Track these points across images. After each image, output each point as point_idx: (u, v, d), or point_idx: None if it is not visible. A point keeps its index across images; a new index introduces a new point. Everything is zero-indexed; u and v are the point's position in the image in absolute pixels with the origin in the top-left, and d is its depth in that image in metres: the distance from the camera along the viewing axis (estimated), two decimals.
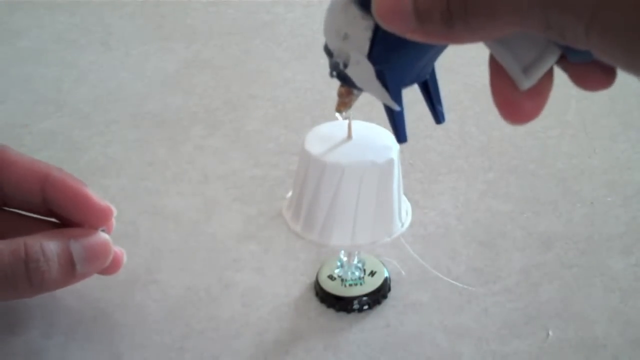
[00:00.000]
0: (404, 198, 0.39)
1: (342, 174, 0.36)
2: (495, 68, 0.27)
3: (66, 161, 0.52)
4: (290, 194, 0.39)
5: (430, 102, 0.32)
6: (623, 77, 0.61)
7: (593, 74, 0.26)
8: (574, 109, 0.56)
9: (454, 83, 0.58)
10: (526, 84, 0.27)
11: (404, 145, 0.37)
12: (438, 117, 0.33)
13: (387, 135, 0.37)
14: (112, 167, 0.52)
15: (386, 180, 0.36)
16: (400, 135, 0.32)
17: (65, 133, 0.56)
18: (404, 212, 0.39)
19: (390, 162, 0.36)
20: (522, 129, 0.54)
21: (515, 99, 0.27)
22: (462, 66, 0.59)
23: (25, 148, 0.53)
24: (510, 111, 0.27)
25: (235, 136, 0.55)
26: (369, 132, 0.38)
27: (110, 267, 0.40)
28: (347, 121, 0.37)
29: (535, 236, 0.45)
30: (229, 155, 0.53)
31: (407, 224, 0.38)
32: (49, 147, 0.54)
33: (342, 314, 0.40)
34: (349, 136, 0.37)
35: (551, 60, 0.26)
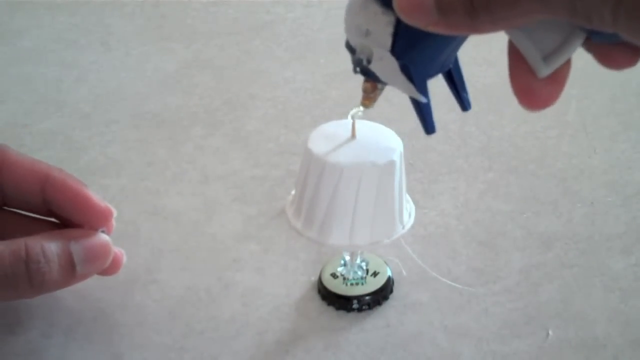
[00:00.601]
0: (408, 199, 0.39)
1: (341, 173, 0.36)
2: (514, 54, 0.27)
3: (66, 161, 0.52)
4: (294, 190, 0.39)
5: (455, 90, 0.32)
6: (623, 77, 0.61)
7: (618, 53, 0.26)
8: (574, 109, 0.56)
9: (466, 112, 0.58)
10: (545, 71, 0.27)
11: (404, 145, 0.37)
12: (464, 104, 0.33)
13: (391, 136, 0.37)
14: (112, 167, 0.52)
15: (386, 182, 0.36)
16: (429, 126, 0.32)
17: (65, 133, 0.56)
18: (406, 214, 0.39)
19: (390, 164, 0.36)
20: (522, 129, 0.54)
21: (533, 86, 0.27)
22: (462, 66, 0.59)
23: (25, 148, 0.53)
24: (527, 98, 0.28)
25: (235, 136, 0.55)
26: (374, 133, 0.38)
27: (110, 268, 0.40)
28: (352, 121, 0.37)
29: (535, 236, 0.45)
30: (229, 155, 0.53)
31: (408, 226, 0.38)
32: (49, 147, 0.54)
33: (343, 314, 0.40)
34: (353, 136, 0.37)
35: (575, 46, 0.26)
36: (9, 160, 0.40)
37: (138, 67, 0.64)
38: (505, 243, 0.44)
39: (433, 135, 0.53)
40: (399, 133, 0.38)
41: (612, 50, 0.26)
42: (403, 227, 0.38)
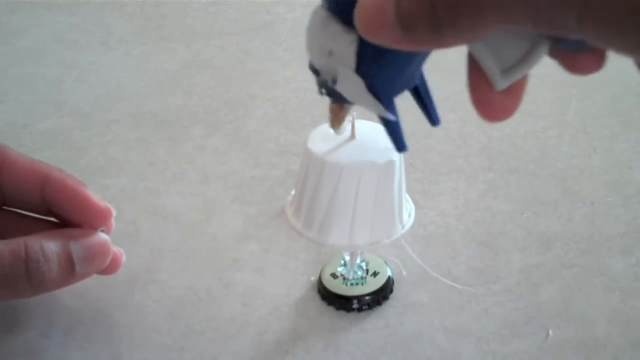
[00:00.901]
0: (407, 199, 0.39)
1: (341, 173, 0.36)
2: (473, 65, 0.27)
3: (66, 161, 0.52)
4: (294, 190, 0.39)
5: (423, 105, 0.32)
6: (623, 77, 0.61)
7: (583, 59, 0.26)
8: (574, 109, 0.56)
9: (455, 83, 0.58)
10: (502, 85, 0.27)
11: None
12: (433, 119, 0.32)
13: None
14: (112, 167, 0.52)
15: (386, 181, 0.36)
16: (399, 144, 0.31)
17: (65, 133, 0.56)
18: (406, 214, 0.39)
19: (390, 164, 0.36)
20: (522, 129, 0.54)
21: (490, 98, 0.27)
22: (462, 67, 0.59)
23: (25, 148, 0.53)
24: (484, 109, 0.28)
25: (235, 136, 0.55)
26: (373, 133, 0.37)
27: (110, 267, 0.40)
28: (351, 121, 0.37)
29: (535, 236, 0.45)
30: (229, 155, 0.53)
31: (408, 226, 0.38)
32: (49, 147, 0.54)
33: (343, 314, 0.40)
34: (352, 136, 0.37)
35: (535, 60, 0.26)
36: (8, 160, 0.40)
37: (138, 67, 0.64)
38: (505, 243, 0.44)
39: (433, 135, 0.53)
40: None
41: (576, 57, 0.26)
42: (403, 227, 0.38)
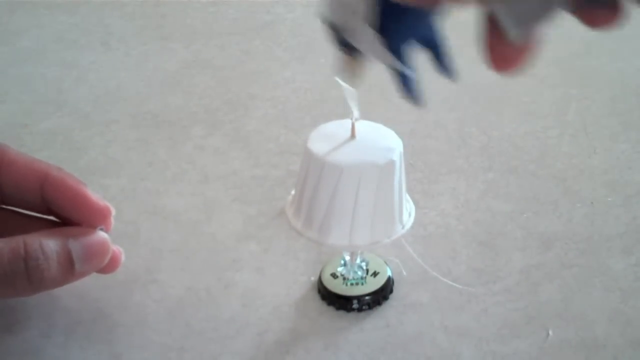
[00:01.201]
0: (407, 198, 0.39)
1: (341, 173, 0.36)
2: (487, 16, 0.27)
3: (66, 161, 0.52)
4: (294, 190, 0.39)
5: (437, 61, 0.32)
6: (623, 77, 0.61)
7: (601, 12, 0.25)
8: (574, 109, 0.56)
9: (455, 83, 0.58)
10: (516, 37, 0.26)
11: (404, 145, 0.37)
12: (449, 74, 0.32)
13: (391, 136, 0.37)
14: (112, 167, 0.52)
15: (386, 182, 0.36)
16: (416, 98, 0.32)
17: (65, 133, 0.56)
18: (406, 214, 0.39)
19: (390, 164, 0.36)
20: (522, 129, 0.54)
21: (502, 49, 0.27)
22: (463, 66, 0.59)
23: (25, 148, 0.53)
24: (496, 59, 0.27)
25: (235, 136, 0.55)
26: (373, 133, 0.37)
27: (109, 266, 0.40)
28: (352, 120, 0.37)
29: (535, 236, 0.45)
30: (229, 155, 0.53)
31: (408, 226, 0.38)
32: (49, 147, 0.54)
33: (343, 314, 0.40)
34: (353, 136, 0.37)
35: (554, 11, 0.26)
36: (8, 158, 0.40)
37: (138, 67, 0.64)
38: (505, 243, 0.44)
39: (433, 135, 0.53)
40: (399, 133, 0.38)
41: (595, 12, 0.25)
42: (403, 227, 0.38)
